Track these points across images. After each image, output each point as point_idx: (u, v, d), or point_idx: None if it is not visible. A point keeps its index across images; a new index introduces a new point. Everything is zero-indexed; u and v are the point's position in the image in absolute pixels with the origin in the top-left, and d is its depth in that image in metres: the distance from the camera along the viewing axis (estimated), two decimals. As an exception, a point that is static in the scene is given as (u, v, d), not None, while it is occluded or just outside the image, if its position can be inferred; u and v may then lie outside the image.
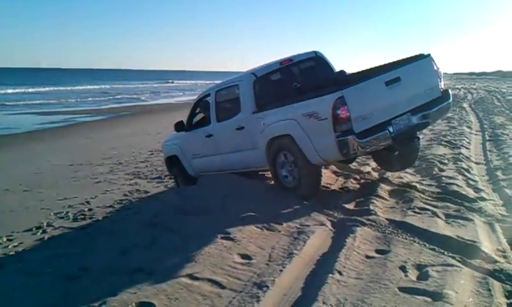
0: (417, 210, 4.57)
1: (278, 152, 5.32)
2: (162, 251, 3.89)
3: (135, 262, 3.70)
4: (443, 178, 5.90)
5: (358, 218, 4.35)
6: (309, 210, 4.76)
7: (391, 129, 4.77)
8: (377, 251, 3.65)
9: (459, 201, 4.86)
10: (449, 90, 5.54)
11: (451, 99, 5.44)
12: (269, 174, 6.14)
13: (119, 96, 40.10)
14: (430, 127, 8.40)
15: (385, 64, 5.70)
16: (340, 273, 3.22)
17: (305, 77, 6.11)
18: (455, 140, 8.87)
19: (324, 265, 3.43)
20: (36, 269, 3.82)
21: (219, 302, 2.96)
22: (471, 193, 5.28)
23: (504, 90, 24.74)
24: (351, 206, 4.97)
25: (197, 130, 6.71)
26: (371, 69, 5.98)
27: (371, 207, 4.67)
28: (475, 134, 9.99)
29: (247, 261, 3.60)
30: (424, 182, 5.83)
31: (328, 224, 4.38)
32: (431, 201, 4.94)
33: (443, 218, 4.38)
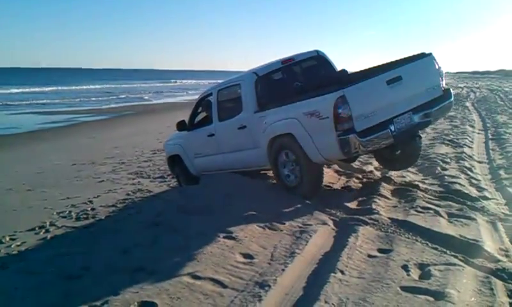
0: (420, 209, 4.56)
1: (279, 151, 5.32)
2: (164, 250, 3.89)
3: (137, 261, 3.70)
4: (446, 177, 5.89)
5: (361, 217, 4.35)
6: (311, 209, 4.76)
7: (392, 128, 4.76)
8: (380, 250, 3.65)
9: (461, 200, 4.85)
10: (451, 89, 5.52)
11: (452, 98, 5.43)
12: (271, 174, 6.14)
13: (122, 96, 40.20)
14: (432, 126, 8.38)
15: (386, 63, 5.68)
16: (342, 272, 3.22)
17: (307, 76, 6.11)
18: (457, 139, 8.84)
19: (326, 264, 3.43)
20: (39, 268, 3.82)
21: (221, 302, 2.96)
22: (474, 192, 5.26)
23: (507, 89, 24.61)
24: (353, 205, 4.97)
25: (199, 129, 6.71)
26: (372, 68, 5.97)
27: (373, 206, 4.66)
28: (478, 133, 9.94)
29: (249, 260, 3.60)
30: (427, 181, 5.82)
31: (330, 223, 4.38)
32: (433, 200, 4.92)
33: (446, 217, 4.37)
